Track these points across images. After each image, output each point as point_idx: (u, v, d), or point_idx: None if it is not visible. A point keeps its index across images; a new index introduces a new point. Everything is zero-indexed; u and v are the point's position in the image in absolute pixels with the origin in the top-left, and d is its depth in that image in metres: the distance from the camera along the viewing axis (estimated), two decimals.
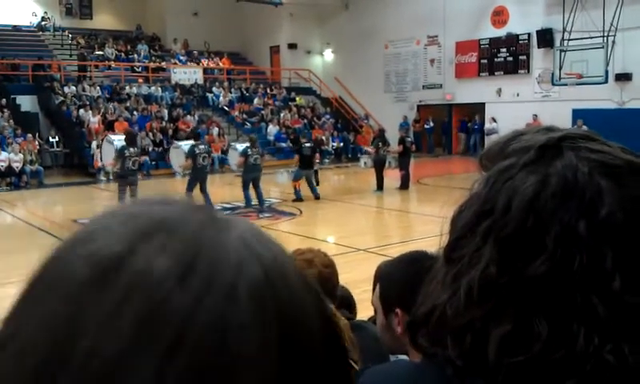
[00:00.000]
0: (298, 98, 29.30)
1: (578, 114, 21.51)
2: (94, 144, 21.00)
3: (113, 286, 0.39)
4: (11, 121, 21.50)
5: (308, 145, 15.19)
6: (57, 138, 22.27)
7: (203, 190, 13.20)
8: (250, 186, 13.73)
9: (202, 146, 13.50)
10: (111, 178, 20.35)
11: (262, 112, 27.04)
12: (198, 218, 0.44)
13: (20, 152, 19.41)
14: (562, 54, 20.73)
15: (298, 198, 14.57)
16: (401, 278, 1.66)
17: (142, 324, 0.38)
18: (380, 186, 15.97)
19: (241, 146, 15.04)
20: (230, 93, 28.09)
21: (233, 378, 0.38)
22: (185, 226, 0.43)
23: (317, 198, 14.72)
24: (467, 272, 0.67)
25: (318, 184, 15.00)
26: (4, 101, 22.48)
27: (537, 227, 0.64)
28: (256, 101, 27.94)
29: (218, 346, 0.39)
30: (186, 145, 15.13)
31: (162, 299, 0.38)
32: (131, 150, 12.25)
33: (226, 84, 28.73)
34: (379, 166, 16.00)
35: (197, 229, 0.43)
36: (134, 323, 0.38)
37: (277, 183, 15.82)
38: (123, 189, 12.27)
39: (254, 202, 13.72)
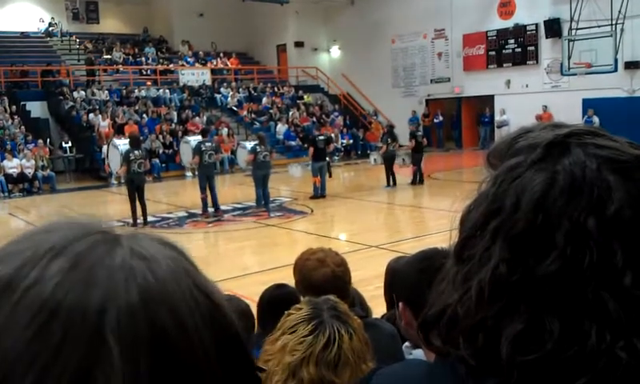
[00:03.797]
0: (306, 96, 29.29)
1: (588, 104, 21.38)
2: (104, 148, 21.11)
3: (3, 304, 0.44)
4: (22, 127, 21.63)
5: (322, 137, 15.30)
6: (69, 144, 22.36)
7: (211, 189, 13.22)
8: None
9: (208, 143, 13.51)
10: (122, 181, 20.46)
11: (271, 111, 27.07)
12: (88, 241, 0.48)
13: (31, 158, 19.53)
14: (571, 43, 20.59)
15: (317, 195, 14.61)
16: (405, 274, 1.69)
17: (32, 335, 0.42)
18: (390, 182, 15.98)
19: (249, 144, 15.10)
20: (238, 93, 28.14)
21: None
22: (71, 250, 0.47)
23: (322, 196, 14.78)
24: (478, 271, 0.67)
25: (330, 176, 15.05)
26: (14, 107, 22.63)
27: (546, 225, 0.64)
28: (264, 100, 27.97)
29: (83, 380, 0.41)
30: (194, 141, 15.11)
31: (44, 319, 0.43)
32: (136, 152, 12.27)
33: (233, 84, 28.78)
34: (389, 162, 16.02)
35: (83, 250, 0.47)
36: (24, 334, 0.42)
37: (288, 181, 15.81)
38: (132, 192, 12.31)
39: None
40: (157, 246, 0.50)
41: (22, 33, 28.74)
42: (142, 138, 22.30)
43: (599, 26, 19.58)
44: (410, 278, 1.62)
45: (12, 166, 19.09)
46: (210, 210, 13.32)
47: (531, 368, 0.63)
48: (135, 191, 12.30)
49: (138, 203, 12.32)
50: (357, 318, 1.69)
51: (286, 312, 1.65)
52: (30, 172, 19.29)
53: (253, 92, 28.69)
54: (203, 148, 13.15)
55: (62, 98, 23.77)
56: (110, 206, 16.89)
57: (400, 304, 1.64)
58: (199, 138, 14.63)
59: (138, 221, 12.29)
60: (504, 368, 0.64)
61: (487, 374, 0.66)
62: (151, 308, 0.44)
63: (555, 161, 0.67)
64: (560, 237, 0.63)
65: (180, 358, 0.44)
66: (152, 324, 0.44)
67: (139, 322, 0.43)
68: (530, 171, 0.68)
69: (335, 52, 32.06)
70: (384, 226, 12.07)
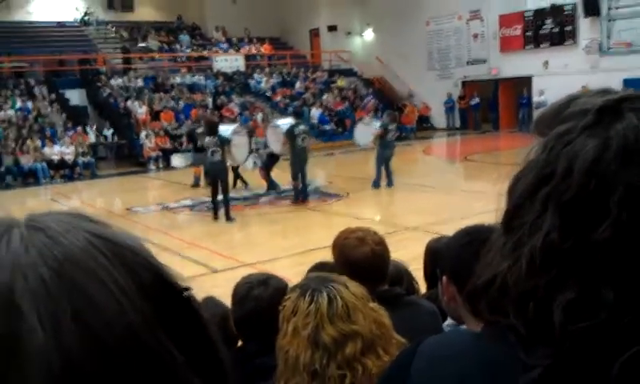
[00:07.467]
0: (339, 80, 29.20)
1: (628, 84, 20.85)
2: (142, 134, 21.39)
3: None
4: (64, 114, 22.05)
5: (200, 130, 15.70)
6: (111, 131, 22.69)
7: (303, 176, 12.55)
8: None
9: (301, 127, 12.65)
10: (160, 166, 20.67)
11: (304, 96, 27.07)
12: None
13: (71, 144, 19.91)
14: (610, 22, 20.12)
15: (197, 184, 15.27)
16: (451, 247, 1.68)
17: None
18: (272, 186, 14.34)
19: (376, 123, 14.79)
20: (272, 78, 28.19)
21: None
22: None
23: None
24: (528, 240, 0.67)
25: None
26: (53, 95, 23.07)
27: (599, 191, 0.63)
28: (298, 85, 27.97)
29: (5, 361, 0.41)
30: (284, 124, 14.54)
31: None
32: (207, 139, 11.05)
33: (267, 70, 28.84)
34: (272, 162, 14.40)
35: None
36: None
37: (323, 164, 15.76)
38: (213, 185, 11.26)
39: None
40: (51, 216, 0.51)
41: (59, 22, 29.20)
42: (177, 124, 22.58)
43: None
44: (455, 251, 1.62)
45: (53, 152, 19.51)
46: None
47: (584, 337, 0.62)
48: (218, 183, 11.02)
49: (221, 197, 11.12)
50: (379, 311, 1.70)
51: (279, 307, 1.69)
52: (70, 158, 19.65)
53: (286, 77, 28.71)
54: (296, 131, 12.32)
55: (99, 85, 24.14)
56: (149, 192, 17.12)
57: (444, 278, 1.63)
58: (290, 120, 13.52)
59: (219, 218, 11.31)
60: (556, 337, 0.63)
61: (538, 343, 0.65)
62: (51, 265, 0.45)
63: (608, 126, 0.66)
64: (614, 202, 0.62)
65: (95, 301, 0.45)
66: (56, 277, 0.45)
67: (45, 279, 0.44)
68: (581, 137, 0.66)
69: (369, 35, 31.81)
70: (420, 209, 11.99)
